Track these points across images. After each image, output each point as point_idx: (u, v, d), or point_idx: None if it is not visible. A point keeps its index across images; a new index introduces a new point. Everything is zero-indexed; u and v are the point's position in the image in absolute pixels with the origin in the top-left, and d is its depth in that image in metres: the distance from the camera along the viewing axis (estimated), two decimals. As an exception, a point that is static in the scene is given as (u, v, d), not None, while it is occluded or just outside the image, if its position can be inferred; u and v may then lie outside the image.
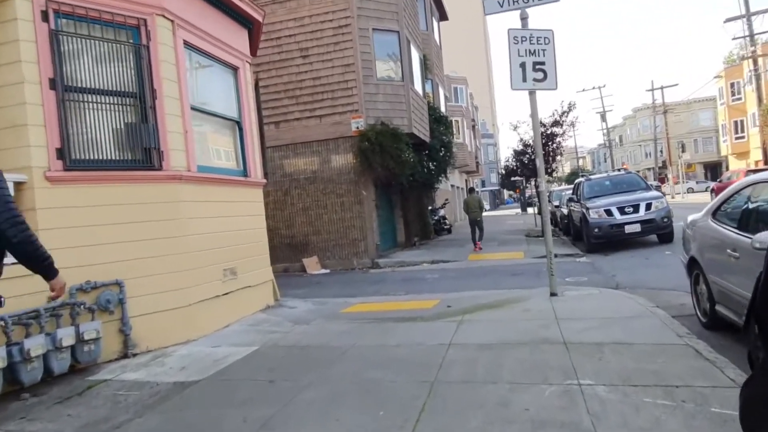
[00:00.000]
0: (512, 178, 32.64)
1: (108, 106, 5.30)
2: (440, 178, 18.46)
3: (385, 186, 15.02)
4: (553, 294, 6.87)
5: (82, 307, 4.91)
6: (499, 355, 4.45)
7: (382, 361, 4.58)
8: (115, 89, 5.35)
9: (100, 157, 5.21)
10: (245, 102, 7.47)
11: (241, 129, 7.39)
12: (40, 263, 3.01)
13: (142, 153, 5.53)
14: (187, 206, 5.88)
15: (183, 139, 5.91)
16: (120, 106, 5.40)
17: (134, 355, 5.27)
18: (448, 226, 22.39)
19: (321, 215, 14.01)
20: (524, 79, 7.03)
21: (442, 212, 22.18)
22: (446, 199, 24.40)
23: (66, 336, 4.50)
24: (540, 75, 7.08)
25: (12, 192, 4.62)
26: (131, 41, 5.52)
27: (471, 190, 16.74)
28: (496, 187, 73.61)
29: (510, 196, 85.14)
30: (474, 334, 5.28)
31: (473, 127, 42.50)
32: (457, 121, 31.67)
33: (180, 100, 5.93)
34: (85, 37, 5.17)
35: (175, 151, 5.78)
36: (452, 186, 32.44)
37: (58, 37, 4.95)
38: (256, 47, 8.45)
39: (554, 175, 18.44)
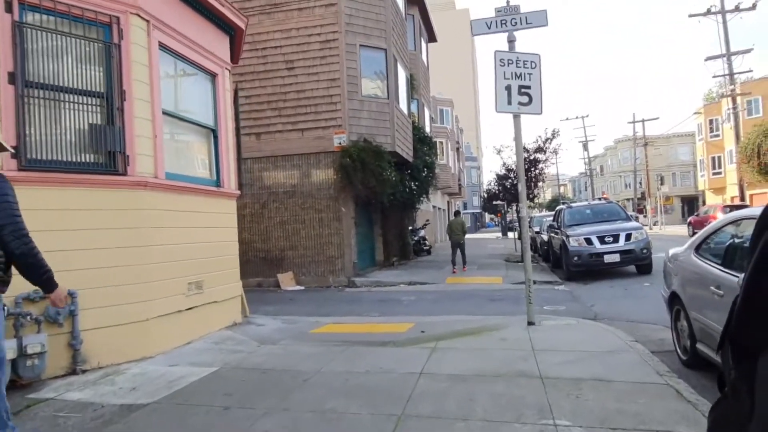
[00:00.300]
0: (494, 202, 32.72)
1: (72, 105, 5.01)
2: (422, 199, 18.31)
3: (366, 204, 14.80)
4: (530, 323, 6.66)
5: (27, 318, 4.56)
6: (473, 388, 4.20)
7: (347, 390, 4.30)
8: (81, 88, 5.06)
9: (60, 158, 4.90)
10: (222, 110, 7.22)
11: (216, 137, 7.13)
12: (40, 276, 3.01)
13: (105, 156, 5.23)
14: (151, 215, 5.57)
15: (151, 144, 5.63)
16: (85, 106, 5.11)
17: (83, 371, 4.90)
18: (428, 247, 22.19)
19: (298, 230, 13.72)
20: (509, 102, 6.91)
21: (422, 233, 22.00)
22: (427, 220, 24.26)
23: (5, 350, 4.13)
24: (525, 99, 6.97)
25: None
26: (101, 39, 5.26)
27: (456, 213, 16.66)
28: (478, 210, 73.90)
29: (491, 219, 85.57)
30: (447, 363, 5.03)
31: (457, 149, 42.68)
32: (441, 143, 31.72)
33: (151, 103, 5.65)
34: (52, 31, 4.89)
35: (142, 156, 5.49)
36: (434, 207, 32.37)
37: (21, 29, 4.66)
38: (238, 55, 8.24)
39: (536, 200, 18.43)
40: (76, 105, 5.04)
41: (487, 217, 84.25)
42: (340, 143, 13.35)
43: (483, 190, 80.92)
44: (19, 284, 4.50)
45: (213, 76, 7.14)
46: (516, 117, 7.08)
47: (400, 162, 15.97)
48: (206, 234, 6.64)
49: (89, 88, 5.14)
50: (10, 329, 4.38)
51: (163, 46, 5.94)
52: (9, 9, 4.59)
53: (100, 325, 5.04)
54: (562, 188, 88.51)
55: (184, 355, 5.58)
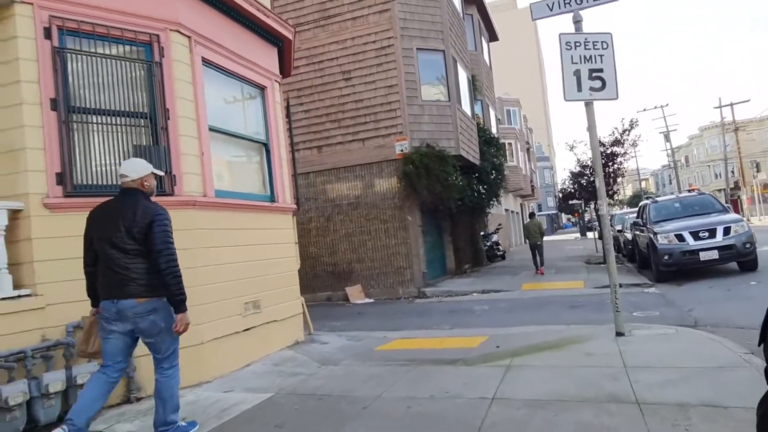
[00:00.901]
0: (570, 202, 31.19)
1: (115, 127, 4.91)
2: (492, 202, 17.55)
3: (433, 211, 14.30)
4: (619, 333, 5.90)
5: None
6: (554, 416, 3.61)
7: (409, 420, 3.83)
8: (123, 109, 4.96)
9: (105, 183, 4.80)
10: (273, 123, 7.01)
11: (268, 151, 6.92)
12: (175, 296, 3.55)
13: (152, 177, 5.10)
14: (202, 234, 5.38)
15: (199, 162, 5.46)
16: (129, 127, 5.01)
17: (138, 399, 4.74)
18: (501, 253, 21.31)
19: (365, 242, 13.43)
20: (579, 89, 6.23)
21: (495, 237, 21.16)
22: (499, 224, 23.35)
23: (54, 381, 4.00)
24: (597, 83, 6.25)
25: (6, 221, 4.32)
26: (142, 58, 5.16)
27: (532, 215, 16.50)
28: (554, 211, 71.14)
29: (568, 220, 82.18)
30: (523, 385, 4.43)
31: (527, 149, 41.23)
32: (510, 144, 30.67)
33: (196, 120, 5.50)
34: (92, 54, 4.82)
35: (190, 175, 5.32)
36: (506, 210, 31.29)
37: (61, 55, 4.62)
38: (288, 67, 8.05)
39: (615, 197, 17.13)
40: (119, 127, 4.94)
41: (564, 217, 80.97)
42: (401, 150, 12.97)
43: (557, 190, 78.12)
44: (70, 311, 4.43)
45: (261, 89, 6.96)
46: (588, 105, 6.37)
47: (466, 166, 15.36)
48: (261, 251, 6.41)
49: (132, 109, 5.03)
50: (59, 360, 4.28)
51: (206, 62, 5.79)
52: (48, 35, 4.56)
53: (154, 352, 4.87)
54: (643, 183, 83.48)
55: (241, 379, 5.32)
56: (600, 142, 16.09)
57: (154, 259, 3.48)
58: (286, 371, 5.65)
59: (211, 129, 5.79)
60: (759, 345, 2.01)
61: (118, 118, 4.93)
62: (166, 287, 3.53)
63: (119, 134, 4.94)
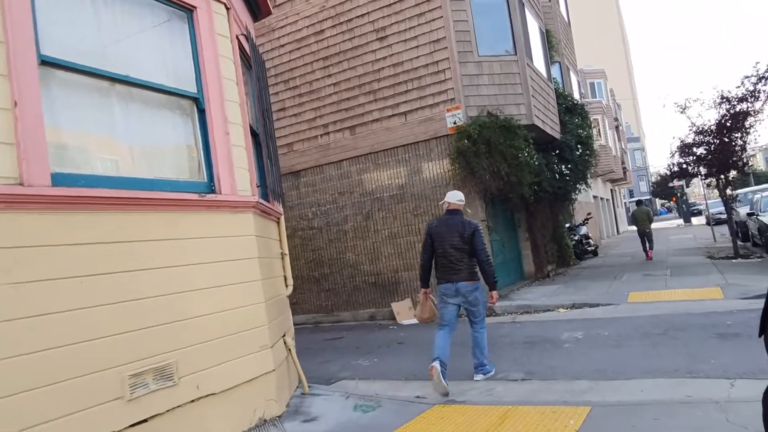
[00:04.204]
0: (673, 182, 26.66)
1: None
2: (579, 186, 14.01)
3: (501, 200, 11.13)
4: None
5: None
6: None
7: None
8: None
9: None
10: (210, 67, 4.31)
11: (201, 111, 4.23)
12: (491, 279, 5.42)
13: None
14: (16, 256, 2.78)
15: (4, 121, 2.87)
16: None
17: None
18: (593, 248, 17.63)
19: (413, 244, 10.52)
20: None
21: (584, 230, 17.51)
22: (588, 214, 19.55)
23: None
24: None
25: None
26: None
27: (639, 203, 15.78)
28: (647, 197, 64.45)
29: (663, 206, 74.51)
30: None
31: (617, 127, 36.39)
32: (596, 120, 26.49)
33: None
34: None
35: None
36: (594, 197, 27.13)
37: None
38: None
39: (747, 169, 13.11)
40: None
41: (658, 203, 73.30)
42: (454, 123, 9.94)
43: (650, 174, 70.43)
44: None
45: (189, 11, 4.27)
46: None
47: (542, 140, 12.06)
48: (181, 277, 3.73)
49: None
50: None
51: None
52: None
53: None
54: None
55: None
56: (723, 96, 12.21)
57: (477, 255, 5.34)
58: None
59: (53, 63, 3.19)
60: (759, 336, 2.08)
61: None
62: (484, 273, 5.39)
63: None
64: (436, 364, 4.97)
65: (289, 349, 5.17)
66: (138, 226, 3.50)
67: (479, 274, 5.38)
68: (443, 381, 4.94)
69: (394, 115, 10.58)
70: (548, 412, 4.06)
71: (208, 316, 3.94)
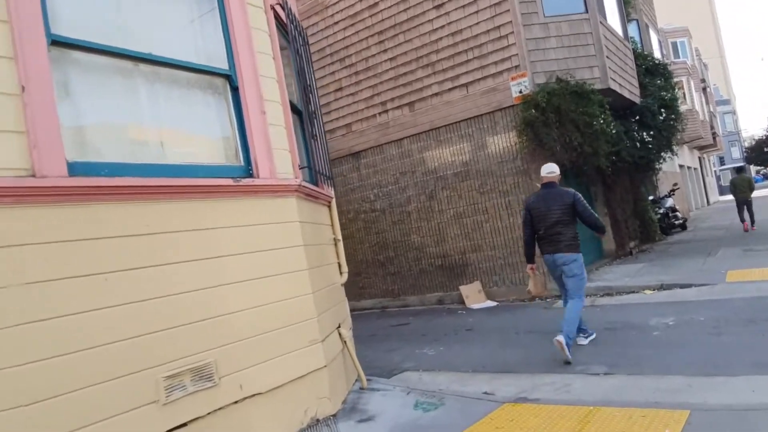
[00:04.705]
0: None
1: None
2: (663, 154, 12.77)
3: (575, 173, 10.27)
4: None
5: None
6: None
7: None
8: None
9: None
10: (242, 40, 3.97)
11: (235, 90, 3.91)
12: (596, 225, 5.52)
13: None
14: (28, 254, 2.57)
15: (14, 107, 2.64)
16: None
17: None
18: (681, 221, 16.20)
19: (480, 223, 9.94)
20: None
21: (670, 202, 16.11)
22: (675, 184, 17.99)
23: None
24: None
25: None
26: None
27: (740, 170, 14.79)
28: (740, 164, 59.35)
29: (758, 172, 68.60)
30: None
31: (704, 89, 33.42)
32: (680, 82, 24.33)
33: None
34: None
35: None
36: (680, 166, 25.09)
37: None
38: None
39: None
40: None
41: (753, 169, 67.46)
42: (520, 92, 9.20)
43: (743, 139, 64.78)
44: None
45: (216, -21, 3.94)
46: None
47: (619, 106, 11.03)
48: (215, 271, 3.45)
49: None
50: None
51: None
52: None
53: None
54: None
55: None
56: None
57: (585, 220, 5.46)
58: None
59: (69, 43, 2.95)
60: None
61: None
62: (598, 230, 5.60)
63: None
64: (560, 338, 5.08)
65: (345, 341, 4.84)
66: (166, 217, 3.23)
67: (579, 245, 5.49)
68: (567, 352, 5.05)
69: (454, 88, 9.96)
70: (637, 417, 3.48)
71: (251, 311, 3.65)
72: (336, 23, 11.35)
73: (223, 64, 3.90)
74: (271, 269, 3.85)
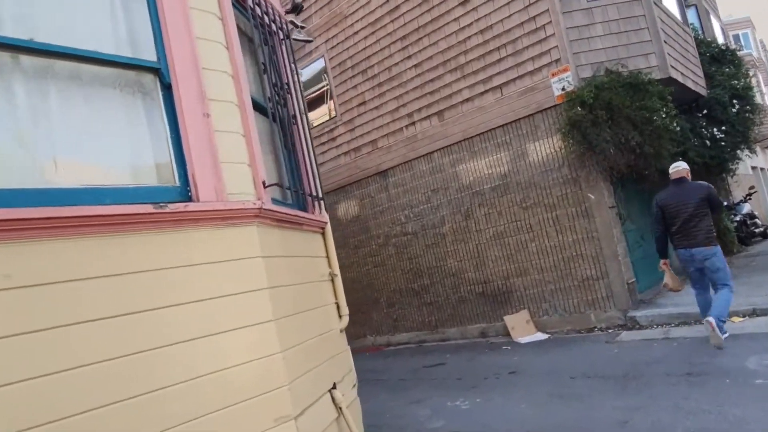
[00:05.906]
0: None
1: None
2: (738, 153, 11.08)
3: (633, 179, 8.85)
4: None
5: None
6: None
7: None
8: None
9: None
10: (175, 24, 3.04)
11: (167, 87, 2.98)
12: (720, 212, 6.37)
13: None
14: None
15: None
16: None
17: None
18: (761, 229, 14.26)
19: (524, 243, 8.67)
20: None
21: (746, 208, 14.22)
22: (751, 187, 15.98)
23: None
24: None
25: None
26: None
27: None
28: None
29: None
30: None
31: (772, 83, 30.62)
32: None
33: None
34: None
35: None
36: (753, 168, 22.72)
37: None
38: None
39: None
40: None
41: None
42: (563, 89, 7.97)
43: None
44: None
45: (141, -50, 3.05)
46: None
47: (683, 99, 9.57)
48: (135, 332, 2.46)
49: None
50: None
51: None
52: None
53: None
54: None
55: None
56: None
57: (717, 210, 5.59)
58: None
59: None
60: None
61: None
62: (719, 215, 6.23)
63: None
64: (711, 319, 5.19)
65: (341, 408, 3.74)
66: (53, 261, 2.28)
67: (716, 237, 5.51)
68: (719, 333, 5.15)
69: (486, 91, 8.82)
70: None
71: (188, 384, 2.63)
72: (356, 33, 10.50)
73: (150, 56, 2.97)
74: (220, 324, 2.83)
